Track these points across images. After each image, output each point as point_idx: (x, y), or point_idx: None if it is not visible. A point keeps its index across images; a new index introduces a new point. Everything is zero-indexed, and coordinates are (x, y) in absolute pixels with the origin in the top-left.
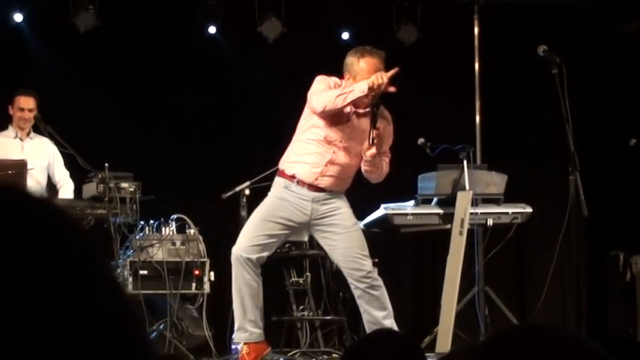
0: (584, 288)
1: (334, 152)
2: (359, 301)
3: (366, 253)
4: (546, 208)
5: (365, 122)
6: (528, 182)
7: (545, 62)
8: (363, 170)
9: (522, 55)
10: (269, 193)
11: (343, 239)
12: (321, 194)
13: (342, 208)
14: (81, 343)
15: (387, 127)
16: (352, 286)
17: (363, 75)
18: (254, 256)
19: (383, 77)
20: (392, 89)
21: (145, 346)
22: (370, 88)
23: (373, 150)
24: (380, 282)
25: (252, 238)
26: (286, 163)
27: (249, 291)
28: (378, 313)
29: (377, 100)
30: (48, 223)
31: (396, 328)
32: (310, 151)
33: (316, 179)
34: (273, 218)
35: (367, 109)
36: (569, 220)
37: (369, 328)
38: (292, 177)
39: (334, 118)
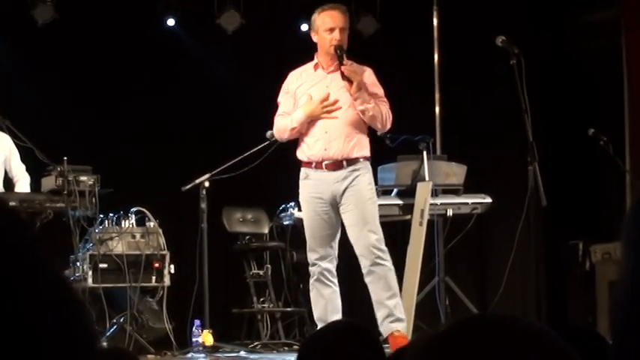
0: (543, 277)
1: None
2: (366, 280)
3: (376, 229)
4: (506, 198)
5: (338, 77)
6: (488, 173)
7: (504, 53)
8: (364, 119)
9: (482, 45)
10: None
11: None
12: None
13: (355, 185)
14: (19, 339)
15: (364, 74)
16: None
17: (322, 28)
18: (323, 264)
19: (318, 107)
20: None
21: (89, 344)
22: (309, 116)
23: (354, 87)
24: (386, 262)
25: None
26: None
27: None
28: (383, 294)
29: (338, 46)
30: None
31: (401, 309)
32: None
33: (325, 150)
34: None
35: (334, 65)
36: (529, 210)
37: (375, 308)
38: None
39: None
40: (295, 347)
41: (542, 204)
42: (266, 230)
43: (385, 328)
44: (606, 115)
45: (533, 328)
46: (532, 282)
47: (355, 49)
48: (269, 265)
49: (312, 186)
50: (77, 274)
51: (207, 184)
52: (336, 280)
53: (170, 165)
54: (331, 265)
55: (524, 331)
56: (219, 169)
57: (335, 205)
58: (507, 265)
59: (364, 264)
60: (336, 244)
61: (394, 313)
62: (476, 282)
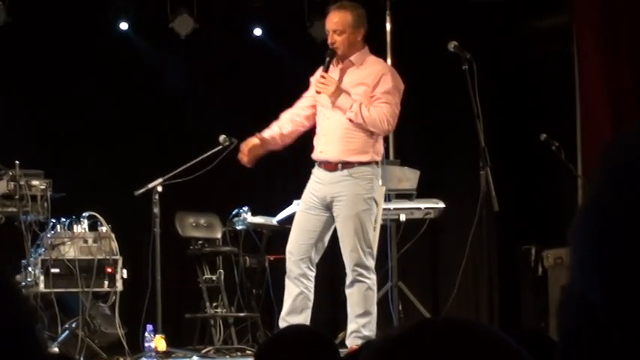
0: (496, 282)
1: (323, 120)
2: (346, 290)
3: (362, 245)
4: (458, 204)
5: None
6: (441, 178)
7: (456, 58)
8: None
9: (435, 50)
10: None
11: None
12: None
13: (346, 195)
14: None
15: (371, 73)
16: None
17: None
18: (295, 262)
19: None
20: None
21: (37, 352)
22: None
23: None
24: (367, 280)
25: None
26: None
27: None
28: (355, 310)
29: (329, 50)
30: None
31: (372, 327)
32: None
33: (321, 152)
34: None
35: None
36: (481, 215)
37: (348, 320)
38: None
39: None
40: (248, 352)
41: (494, 209)
42: (219, 235)
43: (350, 342)
44: (558, 121)
45: (487, 331)
46: (485, 287)
47: (308, 54)
48: (222, 270)
49: (312, 182)
50: (29, 279)
51: (160, 188)
52: (308, 283)
53: (123, 169)
54: (304, 266)
55: (478, 335)
56: (172, 173)
57: (327, 206)
58: (460, 270)
59: (348, 276)
60: (318, 248)
61: (362, 330)
62: (429, 287)
